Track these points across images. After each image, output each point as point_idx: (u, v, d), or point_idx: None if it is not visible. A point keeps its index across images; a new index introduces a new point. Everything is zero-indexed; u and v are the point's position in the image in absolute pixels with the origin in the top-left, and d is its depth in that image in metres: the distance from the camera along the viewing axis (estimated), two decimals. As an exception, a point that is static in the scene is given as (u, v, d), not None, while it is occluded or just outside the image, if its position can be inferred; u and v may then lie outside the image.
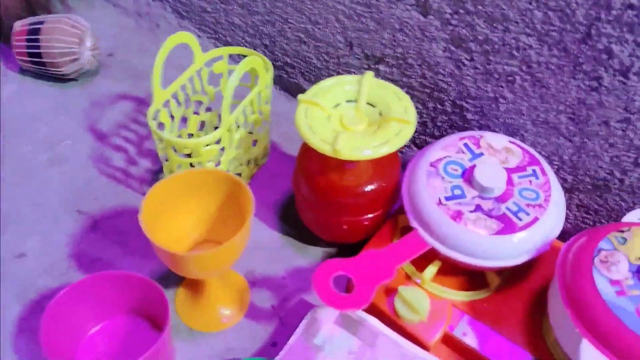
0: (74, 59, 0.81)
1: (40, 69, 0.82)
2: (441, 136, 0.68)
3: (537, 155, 0.57)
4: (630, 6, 0.48)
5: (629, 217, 0.54)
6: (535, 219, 0.53)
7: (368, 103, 0.58)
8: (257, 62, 0.63)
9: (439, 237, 0.54)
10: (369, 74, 0.59)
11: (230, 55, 0.79)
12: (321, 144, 0.53)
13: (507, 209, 0.54)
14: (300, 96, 0.57)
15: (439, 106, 0.66)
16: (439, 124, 0.68)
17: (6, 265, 0.63)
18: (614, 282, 0.46)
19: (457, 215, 0.53)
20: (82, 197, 0.70)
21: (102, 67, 0.88)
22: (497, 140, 0.58)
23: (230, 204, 0.56)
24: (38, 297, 0.61)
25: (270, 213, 0.70)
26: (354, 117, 0.57)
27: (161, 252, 0.49)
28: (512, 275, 0.58)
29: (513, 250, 0.53)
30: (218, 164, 0.63)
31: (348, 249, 0.64)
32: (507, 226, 0.53)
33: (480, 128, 0.64)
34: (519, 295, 0.57)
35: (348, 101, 0.58)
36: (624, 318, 0.44)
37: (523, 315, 0.56)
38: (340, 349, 0.55)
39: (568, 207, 0.62)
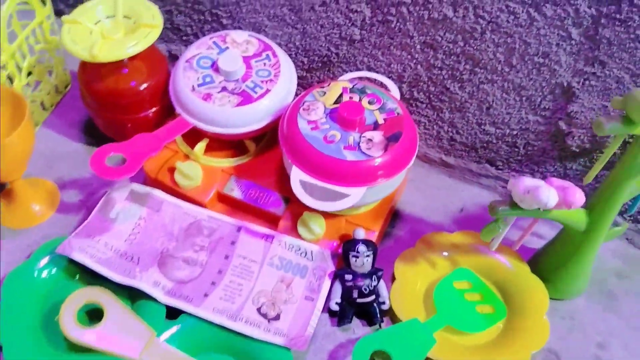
0: None
1: None
2: (212, 43, 0.81)
3: (270, 43, 0.71)
4: None
5: (342, 78, 0.70)
6: (267, 91, 0.68)
7: (125, 16, 0.70)
8: (30, -4, 0.72)
9: (195, 116, 0.68)
10: (123, -8, 0.70)
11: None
12: (81, 52, 0.65)
13: (246, 86, 0.68)
14: (63, 17, 0.67)
15: (201, 17, 0.79)
16: (205, 32, 0.80)
17: None
18: (310, 122, 0.62)
19: (207, 97, 0.67)
20: None
21: None
22: (239, 35, 0.72)
23: (17, 116, 0.66)
24: None
25: (75, 130, 0.80)
26: (112, 29, 0.68)
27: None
28: (267, 142, 0.73)
29: (253, 116, 0.68)
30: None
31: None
32: (246, 99, 0.67)
33: (235, 30, 0.77)
34: (272, 156, 0.72)
35: (108, 17, 0.70)
36: (315, 144, 0.60)
37: (275, 169, 0.71)
38: (132, 218, 0.68)
39: (310, 84, 0.78)
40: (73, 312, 0.59)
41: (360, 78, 0.70)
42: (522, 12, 0.58)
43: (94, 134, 0.79)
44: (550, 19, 0.57)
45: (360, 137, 0.61)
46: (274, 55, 0.70)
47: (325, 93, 0.65)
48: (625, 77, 0.57)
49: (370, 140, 0.61)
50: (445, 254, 0.68)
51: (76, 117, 0.82)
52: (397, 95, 0.69)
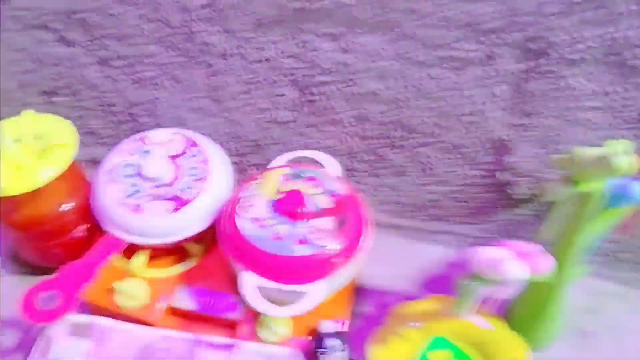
0: None
1: None
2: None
3: (196, 136, 0.67)
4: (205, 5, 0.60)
5: (274, 164, 0.67)
6: (202, 189, 0.63)
7: (35, 137, 0.64)
8: None
9: (128, 231, 0.62)
10: (29, 112, 0.65)
11: None
12: (-11, 187, 0.59)
13: (178, 189, 0.64)
14: (-37, 151, 0.61)
15: (118, 118, 0.74)
16: (126, 133, 0.76)
17: None
18: (254, 220, 0.59)
19: (137, 208, 0.62)
20: None
21: None
22: (160, 135, 0.68)
23: None
24: None
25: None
26: (21, 154, 0.62)
27: None
28: (212, 240, 0.69)
29: (192, 220, 0.63)
30: None
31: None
32: (180, 203, 0.63)
33: (157, 127, 0.73)
34: (220, 254, 0.67)
35: (15, 141, 0.64)
36: (261, 244, 0.57)
37: (226, 269, 0.66)
38: (75, 356, 0.61)
39: (241, 171, 0.74)
40: None
41: (298, 158, 0.68)
42: (447, 77, 0.57)
43: (22, 262, 0.73)
44: (476, 79, 0.57)
45: (308, 227, 0.58)
46: (202, 150, 0.67)
47: (262, 184, 0.62)
48: (555, 125, 0.58)
49: (319, 229, 0.58)
50: (419, 324, 0.65)
51: (-3, 245, 0.75)
52: (338, 168, 0.67)
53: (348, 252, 0.58)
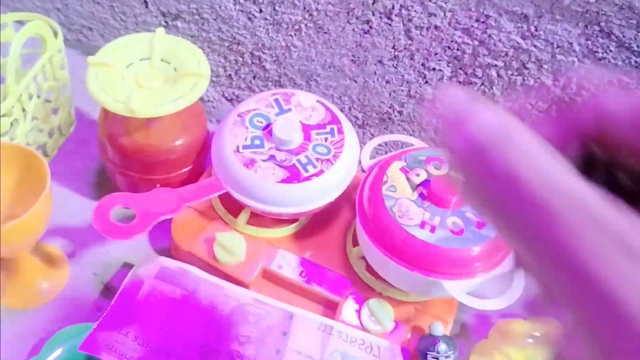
0: None
1: None
2: (247, 88, 0.71)
3: (340, 115, 0.60)
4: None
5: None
6: (321, 172, 0.57)
7: (162, 60, 0.59)
8: (42, 27, 0.60)
9: (231, 182, 0.57)
10: (160, 31, 0.59)
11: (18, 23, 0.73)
12: (116, 105, 0.53)
13: (298, 160, 0.57)
14: (89, 58, 0.56)
15: (239, 58, 0.69)
16: (242, 75, 0.70)
17: None
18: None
19: (250, 163, 0.56)
20: None
21: None
22: (306, 98, 0.61)
23: (28, 178, 0.54)
24: None
25: (83, 182, 0.68)
26: (148, 75, 0.57)
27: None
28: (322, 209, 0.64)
29: (298, 197, 0.57)
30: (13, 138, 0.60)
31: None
32: (293, 175, 0.56)
33: (279, 77, 0.68)
34: (327, 223, 0.63)
35: (142, 59, 0.59)
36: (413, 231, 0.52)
37: (332, 241, 0.62)
38: (164, 302, 0.57)
39: (362, 142, 0.69)
40: None
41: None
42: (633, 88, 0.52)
43: (105, 186, 0.68)
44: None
45: (461, 216, 0.53)
46: (340, 131, 0.59)
47: (395, 188, 0.55)
48: None
49: (470, 218, 0.52)
50: (524, 344, 0.61)
51: (82, 165, 0.70)
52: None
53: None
